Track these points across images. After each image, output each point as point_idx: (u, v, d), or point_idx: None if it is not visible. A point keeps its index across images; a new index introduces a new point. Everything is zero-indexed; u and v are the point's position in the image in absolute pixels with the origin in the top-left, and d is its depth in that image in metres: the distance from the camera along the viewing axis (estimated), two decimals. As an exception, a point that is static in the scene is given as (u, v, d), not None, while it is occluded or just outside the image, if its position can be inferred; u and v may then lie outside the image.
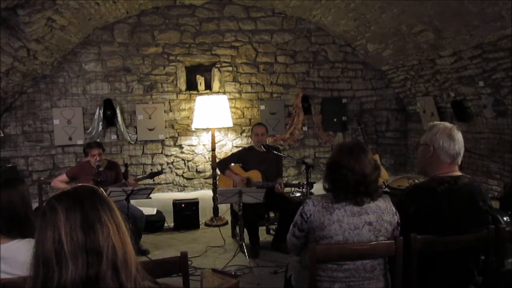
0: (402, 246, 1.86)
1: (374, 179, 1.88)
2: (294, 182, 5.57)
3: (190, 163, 5.98)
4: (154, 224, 4.78)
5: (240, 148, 5.30)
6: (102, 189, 1.14)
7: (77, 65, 5.59)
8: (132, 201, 4.01)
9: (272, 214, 4.74)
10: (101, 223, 0.96)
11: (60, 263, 0.91)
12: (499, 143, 4.65)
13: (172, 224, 4.95)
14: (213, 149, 5.31)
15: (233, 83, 6.04)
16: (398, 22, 4.70)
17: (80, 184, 1.09)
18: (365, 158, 1.88)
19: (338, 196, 1.89)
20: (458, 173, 2.03)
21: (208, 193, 5.62)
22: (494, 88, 4.32)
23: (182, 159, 5.96)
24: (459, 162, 2.03)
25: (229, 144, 6.06)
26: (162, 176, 5.78)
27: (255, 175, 4.27)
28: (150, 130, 5.79)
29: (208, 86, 6.00)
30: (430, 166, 2.06)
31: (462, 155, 2.01)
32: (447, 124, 2.06)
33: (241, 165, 4.42)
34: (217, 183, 4.92)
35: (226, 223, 5.06)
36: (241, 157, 4.48)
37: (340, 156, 1.92)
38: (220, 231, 4.60)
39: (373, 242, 1.86)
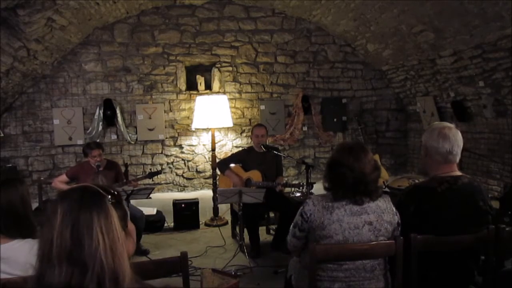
0: (402, 246, 1.87)
1: (373, 178, 1.89)
2: (294, 182, 5.57)
3: (190, 163, 5.98)
4: (154, 224, 4.78)
5: (240, 149, 5.30)
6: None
7: (77, 65, 5.59)
8: (132, 201, 4.01)
9: (272, 214, 4.75)
10: (90, 236, 0.91)
11: (48, 264, 0.90)
12: (499, 143, 4.65)
13: (172, 224, 4.96)
14: (213, 149, 5.31)
15: (233, 83, 6.04)
16: (398, 22, 4.70)
17: (89, 185, 1.02)
18: (364, 157, 1.89)
19: (336, 194, 1.89)
20: (458, 173, 2.03)
21: (208, 193, 5.62)
22: (494, 88, 4.32)
23: (182, 159, 5.96)
24: (456, 161, 2.02)
25: (229, 144, 6.06)
26: (162, 176, 5.78)
27: (256, 175, 4.27)
28: (150, 130, 5.78)
29: (208, 86, 5.99)
30: (428, 166, 2.07)
31: (457, 153, 2.00)
32: (444, 123, 2.07)
33: (241, 165, 4.43)
34: (217, 183, 4.92)
35: (226, 223, 5.06)
36: (241, 157, 4.49)
37: (340, 155, 1.93)
38: (220, 231, 4.60)
39: (373, 242, 1.86)
